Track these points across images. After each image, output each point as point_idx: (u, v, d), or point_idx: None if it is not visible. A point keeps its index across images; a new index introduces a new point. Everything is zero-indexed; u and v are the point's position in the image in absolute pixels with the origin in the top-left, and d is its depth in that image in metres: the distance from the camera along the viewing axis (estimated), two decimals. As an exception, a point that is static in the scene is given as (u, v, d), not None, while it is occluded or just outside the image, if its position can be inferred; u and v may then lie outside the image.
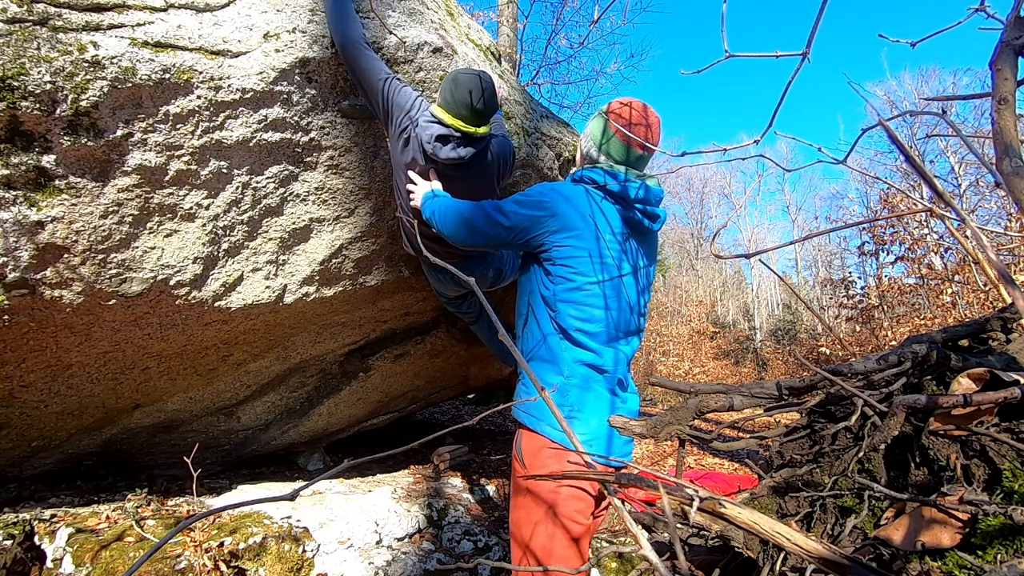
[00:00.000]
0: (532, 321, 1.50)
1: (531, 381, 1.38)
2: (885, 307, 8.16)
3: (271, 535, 2.14)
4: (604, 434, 1.40)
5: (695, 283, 22.27)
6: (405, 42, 1.91)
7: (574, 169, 1.61)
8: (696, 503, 0.64)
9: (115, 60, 1.46)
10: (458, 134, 1.74)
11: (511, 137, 2.34)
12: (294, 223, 1.99)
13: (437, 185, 1.80)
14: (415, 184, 1.81)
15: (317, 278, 2.15)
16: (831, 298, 10.37)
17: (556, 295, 1.44)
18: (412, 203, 1.80)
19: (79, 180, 1.54)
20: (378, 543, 2.44)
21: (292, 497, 0.49)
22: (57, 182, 1.51)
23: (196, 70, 1.57)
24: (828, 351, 8.89)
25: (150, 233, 1.72)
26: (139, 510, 2.31)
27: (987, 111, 0.76)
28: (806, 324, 17.25)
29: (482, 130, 1.77)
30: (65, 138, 1.46)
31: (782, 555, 0.95)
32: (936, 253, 7.20)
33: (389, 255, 2.31)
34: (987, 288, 6.01)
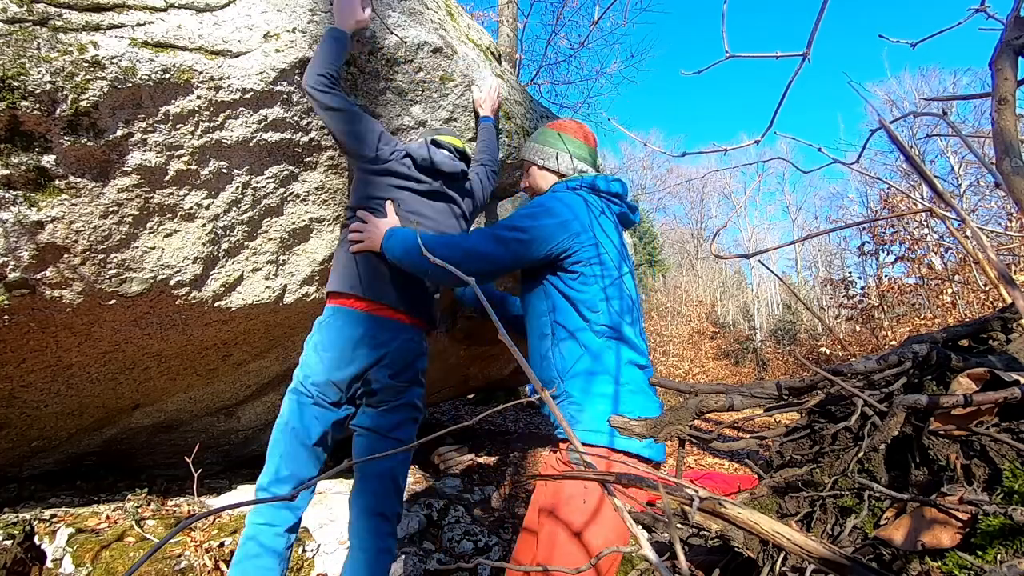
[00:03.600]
0: (565, 336, 1.41)
1: (576, 397, 1.33)
2: (885, 307, 8.16)
3: (271, 535, 2.14)
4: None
5: (695, 283, 22.27)
6: (405, 42, 1.91)
7: (552, 181, 1.60)
8: (696, 503, 0.64)
9: (115, 60, 1.46)
10: (453, 149, 1.81)
11: (511, 137, 2.34)
12: (294, 223, 1.99)
13: (395, 221, 1.64)
14: (364, 223, 1.63)
15: (317, 278, 2.15)
16: (831, 298, 10.37)
17: (594, 296, 1.39)
18: (363, 244, 1.62)
19: (79, 180, 1.54)
20: (378, 543, 2.44)
21: (292, 497, 0.49)
22: (57, 182, 1.51)
23: (196, 70, 1.57)
24: (828, 351, 8.91)
25: (150, 233, 1.72)
26: (139, 510, 2.31)
27: (987, 111, 0.76)
28: (806, 324, 17.25)
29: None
30: (65, 138, 1.47)
31: (782, 555, 0.95)
32: (936, 253, 7.20)
33: (389, 255, 2.31)
34: (987, 288, 6.02)
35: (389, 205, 1.67)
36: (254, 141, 1.76)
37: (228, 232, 1.87)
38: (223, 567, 1.97)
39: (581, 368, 1.37)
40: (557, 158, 1.59)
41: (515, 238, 1.40)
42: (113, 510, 2.31)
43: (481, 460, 3.89)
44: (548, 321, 1.45)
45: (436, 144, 1.80)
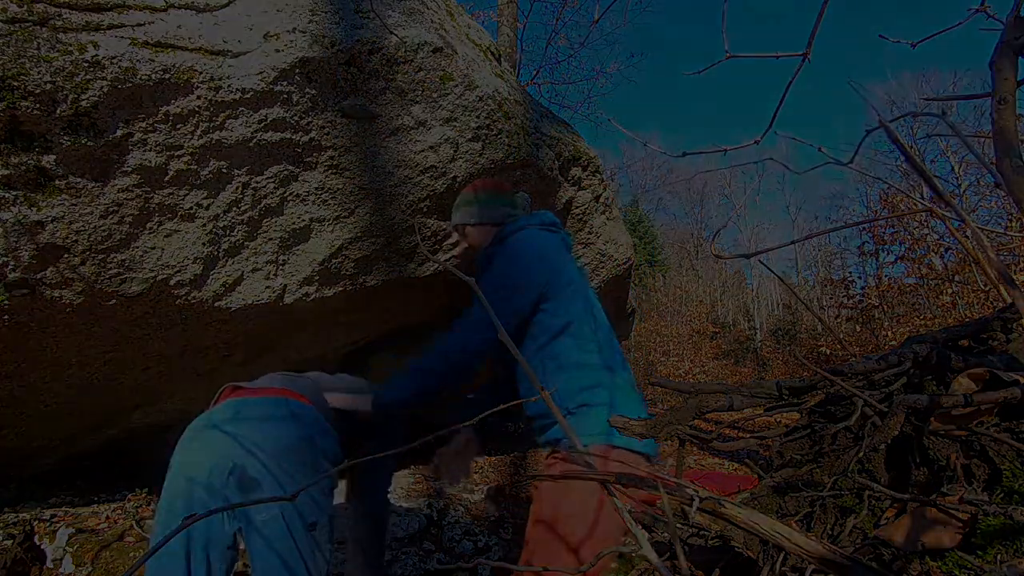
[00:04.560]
0: (555, 367, 1.38)
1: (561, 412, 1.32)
2: (885, 307, 8.16)
3: (271, 535, 2.14)
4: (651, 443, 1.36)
5: (695, 283, 22.26)
6: (405, 42, 1.91)
7: (490, 232, 1.57)
8: (696, 503, 0.64)
9: (115, 60, 1.46)
10: None
11: (512, 136, 2.35)
12: (294, 223, 1.99)
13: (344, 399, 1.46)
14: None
15: (317, 278, 2.15)
16: (831, 298, 10.38)
17: (574, 316, 1.39)
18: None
19: (79, 180, 1.54)
20: (378, 543, 2.44)
21: (292, 497, 0.49)
22: (57, 182, 1.51)
23: (196, 70, 1.57)
24: (828, 351, 8.90)
25: (150, 233, 1.72)
26: (139, 510, 2.31)
27: (987, 111, 0.76)
28: (806, 324, 17.21)
29: None
30: (65, 138, 1.46)
31: (782, 555, 0.95)
32: (936, 253, 7.21)
33: (389, 255, 2.31)
34: (987, 288, 6.02)
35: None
36: (254, 141, 1.75)
37: (228, 232, 1.87)
38: (223, 567, 1.96)
39: (575, 386, 1.36)
40: (487, 211, 1.59)
41: (527, 283, 1.37)
42: (113, 510, 2.30)
43: (481, 460, 3.89)
44: (537, 359, 1.42)
45: None
